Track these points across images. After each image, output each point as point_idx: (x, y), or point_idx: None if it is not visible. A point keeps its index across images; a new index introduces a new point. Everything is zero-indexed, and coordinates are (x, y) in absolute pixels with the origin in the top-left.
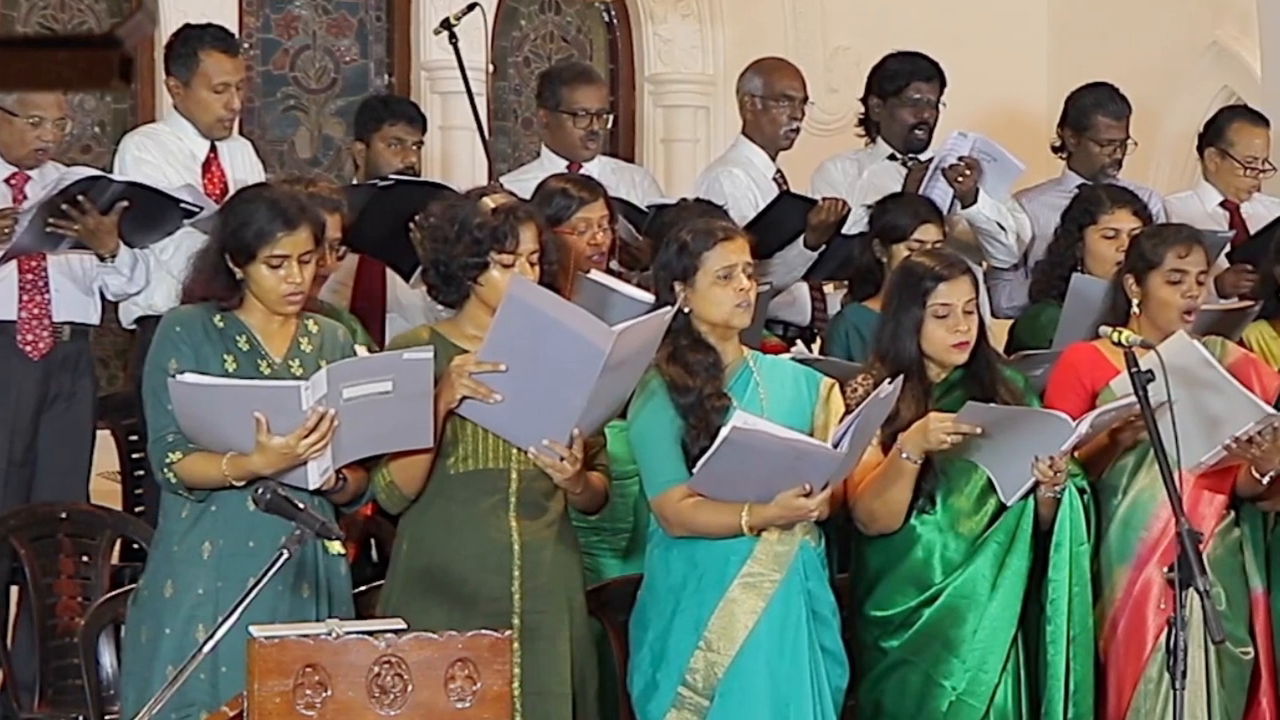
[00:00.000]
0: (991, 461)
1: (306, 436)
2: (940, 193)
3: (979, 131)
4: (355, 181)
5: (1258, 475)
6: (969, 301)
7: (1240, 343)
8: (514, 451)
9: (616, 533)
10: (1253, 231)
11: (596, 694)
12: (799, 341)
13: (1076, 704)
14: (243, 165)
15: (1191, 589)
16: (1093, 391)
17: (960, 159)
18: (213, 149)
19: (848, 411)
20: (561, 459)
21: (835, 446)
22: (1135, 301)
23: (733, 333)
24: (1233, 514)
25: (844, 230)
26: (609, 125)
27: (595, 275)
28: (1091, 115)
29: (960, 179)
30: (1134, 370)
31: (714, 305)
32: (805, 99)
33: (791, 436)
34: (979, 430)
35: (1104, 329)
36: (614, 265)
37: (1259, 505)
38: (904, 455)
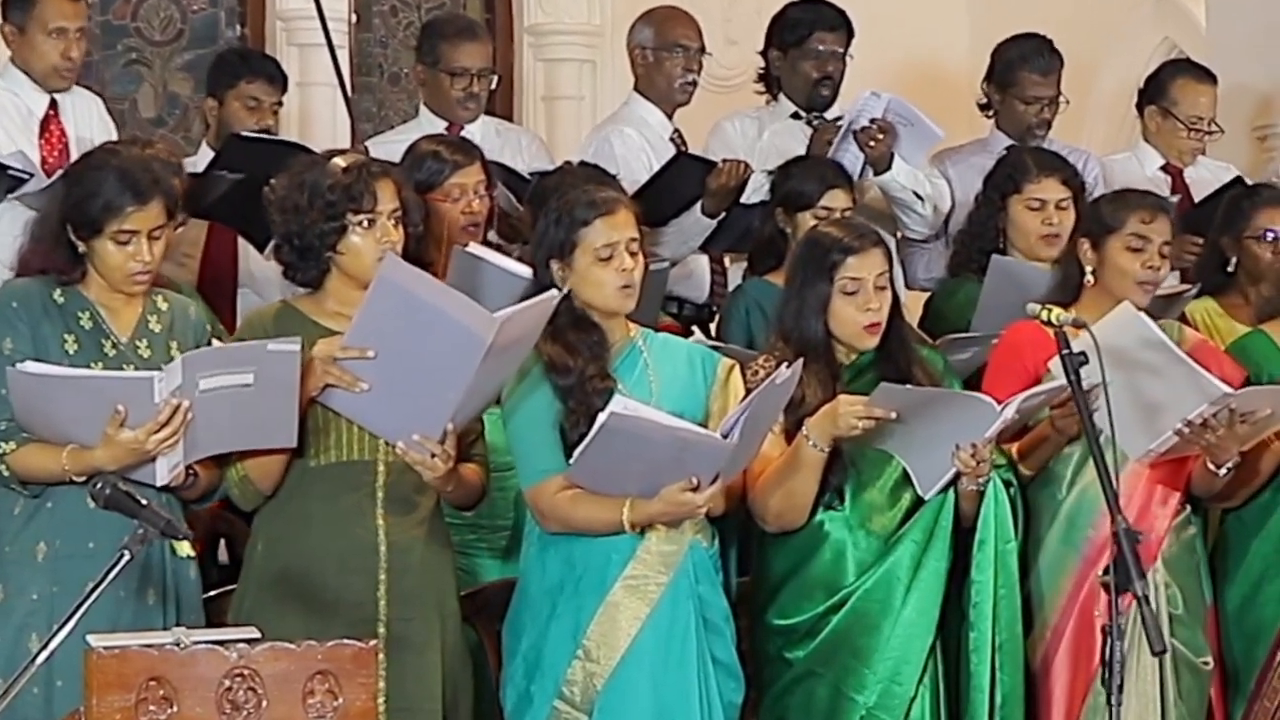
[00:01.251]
0: (907, 450)
1: (158, 431)
2: (851, 157)
3: (893, 91)
4: (205, 142)
5: (1214, 468)
6: (881, 276)
7: (1182, 319)
8: (381, 441)
9: (495, 531)
10: (1197, 198)
11: (471, 710)
12: (696, 329)
13: (1004, 718)
14: (88, 123)
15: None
16: (1036, 375)
17: (873, 121)
18: (53, 105)
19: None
20: (433, 456)
21: (725, 436)
22: (1089, 269)
23: (623, 312)
24: (1189, 509)
25: (744, 198)
26: (492, 86)
27: (472, 248)
28: (1017, 71)
29: (873, 143)
30: (1065, 352)
31: (594, 287)
32: (701, 49)
33: (675, 424)
34: (893, 415)
35: (1031, 306)
36: (492, 237)
37: (1215, 503)
38: (810, 443)
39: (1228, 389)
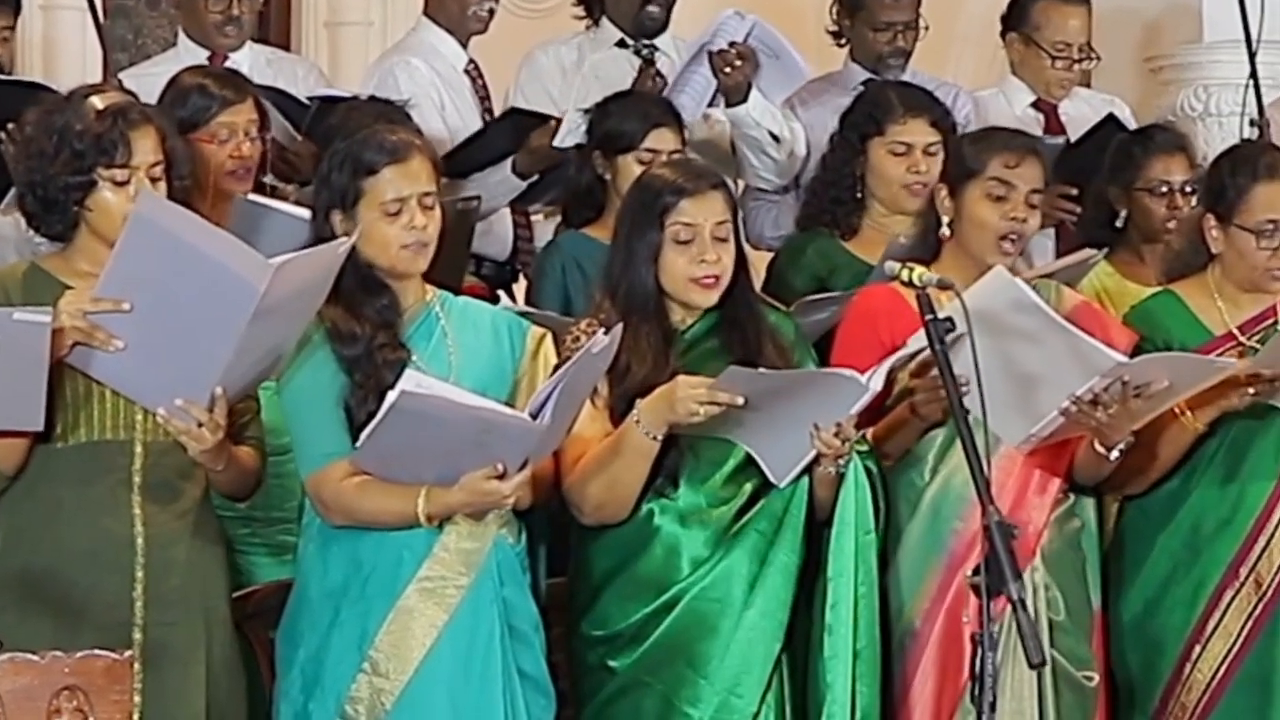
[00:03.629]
0: (755, 438)
1: None
2: (700, 82)
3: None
4: None
5: (1103, 450)
6: (721, 225)
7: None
8: (139, 418)
9: (273, 525)
10: (1074, 135)
11: None
12: (503, 294)
13: None
14: None
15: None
16: (892, 346)
17: (732, 44)
18: None
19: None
20: (200, 424)
21: (534, 416)
22: (946, 220)
23: (418, 273)
24: (1072, 499)
25: (558, 140)
26: (258, 7)
27: (254, 196)
28: None
29: (729, 69)
30: (929, 317)
31: (378, 244)
32: None
33: (477, 403)
34: (740, 400)
35: (890, 265)
36: (267, 179)
37: (1105, 490)
38: (640, 428)
39: (1120, 358)
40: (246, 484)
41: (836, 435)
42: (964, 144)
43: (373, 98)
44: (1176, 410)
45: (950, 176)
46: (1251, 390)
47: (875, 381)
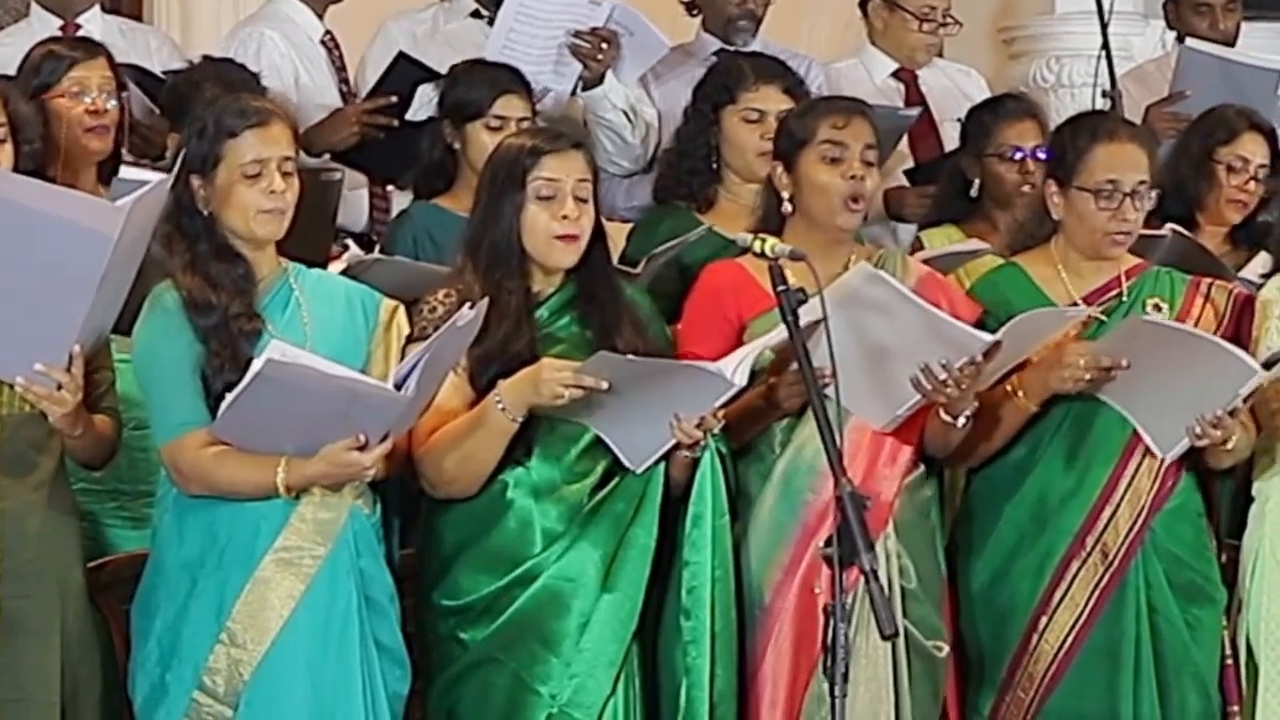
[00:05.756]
0: (614, 424)
1: None
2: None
3: None
4: None
5: (949, 418)
6: (581, 183)
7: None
8: None
9: (137, 498)
10: (934, 105)
11: (99, 703)
12: (350, 243)
13: (720, 718)
14: None
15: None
16: (740, 324)
17: (594, 30)
18: None
19: (415, 341)
20: (60, 386)
21: (399, 388)
22: (786, 196)
23: (267, 240)
24: (922, 467)
25: (411, 113)
26: None
27: (126, 172)
28: None
29: (599, 58)
30: (781, 288)
31: (236, 209)
32: None
33: (344, 374)
34: (605, 386)
35: (742, 236)
36: (126, 156)
37: (952, 463)
38: (500, 408)
39: (986, 337)
40: (103, 451)
41: (699, 426)
42: (790, 119)
43: (224, 59)
44: (1010, 387)
45: (783, 151)
46: (1087, 376)
47: (740, 377)
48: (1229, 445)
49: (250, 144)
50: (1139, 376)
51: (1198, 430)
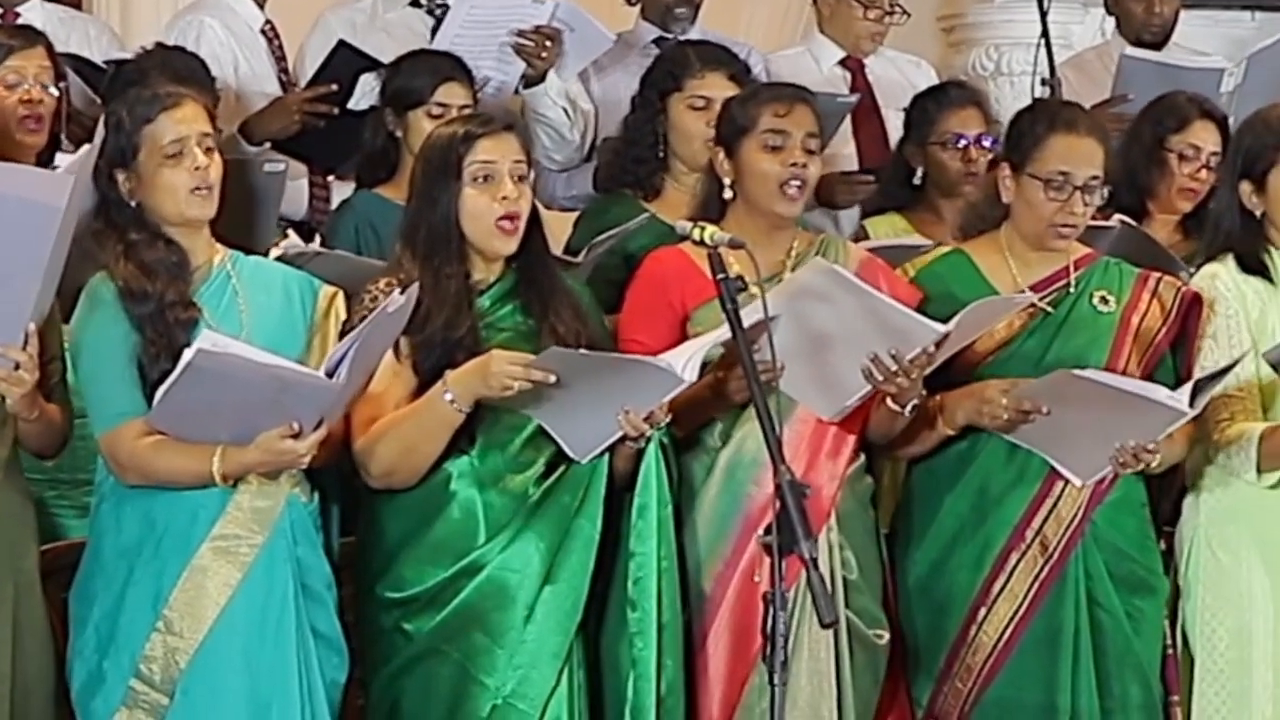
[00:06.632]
0: (559, 416)
1: None
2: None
3: None
4: None
5: (897, 408)
6: (518, 163)
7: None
8: None
9: (78, 486)
10: (880, 95)
11: (52, 694)
12: (291, 233)
13: (668, 710)
14: None
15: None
16: (683, 312)
17: (538, 29)
18: None
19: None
20: (17, 368)
21: (330, 375)
22: (728, 182)
23: (199, 225)
24: (863, 458)
25: (353, 102)
26: None
27: (60, 160)
28: None
29: (542, 56)
30: (720, 276)
31: (163, 192)
32: None
33: (274, 362)
34: (552, 379)
35: (681, 224)
36: (65, 146)
37: (895, 450)
38: (447, 398)
39: (939, 327)
40: (55, 440)
41: (646, 420)
42: (733, 106)
43: (165, 45)
44: (933, 405)
45: (725, 138)
46: (1005, 416)
47: (690, 373)
48: (1153, 465)
49: (166, 126)
50: (1059, 422)
51: (1120, 460)
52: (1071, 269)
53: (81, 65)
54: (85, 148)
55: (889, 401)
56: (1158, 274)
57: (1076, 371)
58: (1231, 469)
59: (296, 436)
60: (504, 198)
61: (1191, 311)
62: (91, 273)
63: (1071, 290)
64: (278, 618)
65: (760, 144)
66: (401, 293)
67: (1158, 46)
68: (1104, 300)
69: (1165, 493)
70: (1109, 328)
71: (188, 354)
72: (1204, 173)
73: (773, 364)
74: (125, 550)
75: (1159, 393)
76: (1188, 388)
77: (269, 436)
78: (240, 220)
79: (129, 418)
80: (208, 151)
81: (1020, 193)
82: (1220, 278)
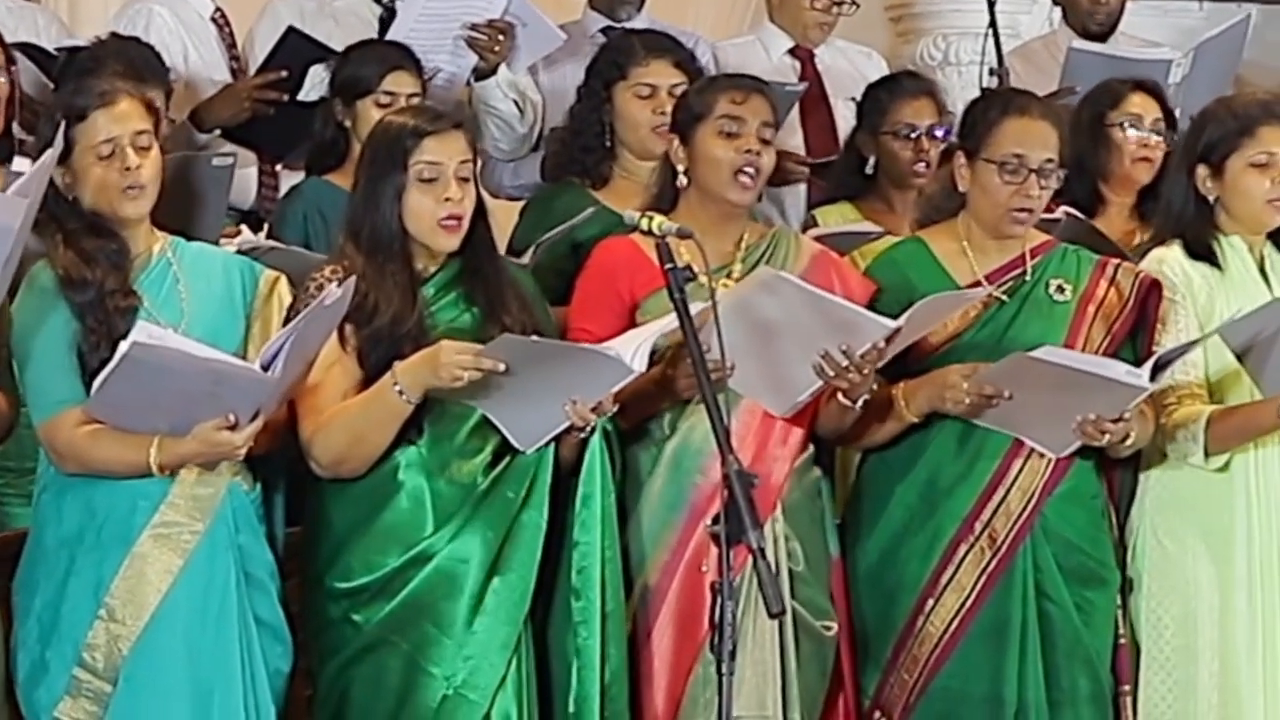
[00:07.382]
0: (505, 405)
1: None
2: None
3: None
4: None
5: (848, 402)
6: (463, 164)
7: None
8: None
9: (25, 475)
10: (830, 85)
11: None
12: (244, 227)
13: (612, 699)
14: None
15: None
16: (632, 302)
17: (491, 22)
18: None
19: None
20: None
21: (266, 369)
22: (682, 170)
23: (136, 222)
24: (812, 449)
25: (303, 93)
26: None
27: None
28: None
29: (494, 50)
30: (669, 266)
31: (96, 189)
32: None
33: (208, 355)
34: (502, 367)
35: (629, 214)
36: (16, 131)
37: (846, 444)
38: (396, 390)
39: (889, 323)
40: (1, 428)
41: (594, 410)
42: (689, 94)
43: (119, 35)
44: (895, 393)
45: (680, 125)
46: (967, 400)
47: (639, 363)
48: (1128, 441)
49: (100, 125)
50: (1023, 404)
51: (1087, 430)
52: (1028, 257)
53: (35, 51)
54: (45, 155)
55: (839, 396)
56: (1116, 260)
57: (1031, 353)
58: (1179, 452)
59: (233, 428)
60: (447, 199)
61: (1150, 297)
62: (30, 259)
63: (1028, 278)
64: (219, 605)
65: (715, 130)
66: (339, 285)
67: (1104, 37)
68: (1060, 290)
69: (1121, 482)
70: (1064, 316)
71: (123, 346)
72: (1153, 138)
73: (722, 363)
74: (67, 539)
75: (1116, 368)
76: (1149, 364)
77: (205, 428)
78: (188, 213)
79: (68, 406)
80: (141, 150)
81: (976, 179)
82: (1167, 262)
